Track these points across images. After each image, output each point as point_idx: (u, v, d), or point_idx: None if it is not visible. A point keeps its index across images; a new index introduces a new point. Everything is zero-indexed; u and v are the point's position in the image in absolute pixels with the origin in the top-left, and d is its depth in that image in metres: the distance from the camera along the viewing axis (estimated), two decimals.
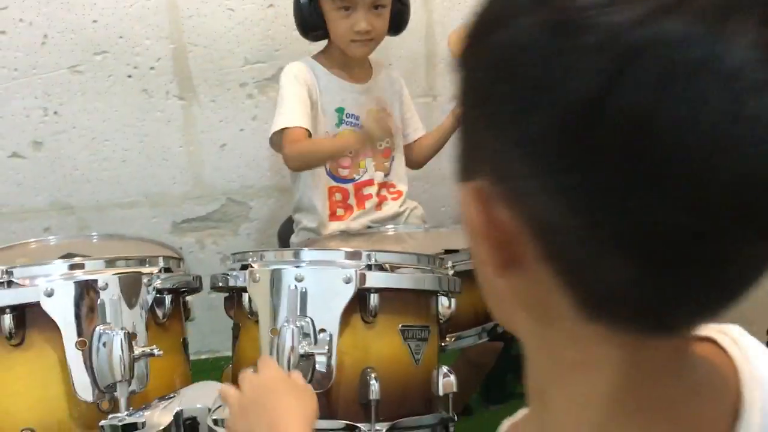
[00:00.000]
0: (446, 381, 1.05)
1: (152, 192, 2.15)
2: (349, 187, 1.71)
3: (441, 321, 1.09)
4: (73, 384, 0.92)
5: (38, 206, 2.10)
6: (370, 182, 1.73)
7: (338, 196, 1.71)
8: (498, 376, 2.00)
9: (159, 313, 1.03)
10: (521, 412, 0.49)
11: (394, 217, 1.73)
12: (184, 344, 1.13)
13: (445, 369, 1.07)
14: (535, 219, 0.34)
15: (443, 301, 1.06)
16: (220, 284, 1.08)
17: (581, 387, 0.38)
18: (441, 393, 1.05)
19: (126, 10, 1.94)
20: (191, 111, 2.08)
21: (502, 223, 0.36)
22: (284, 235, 1.91)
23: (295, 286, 0.95)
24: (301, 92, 1.60)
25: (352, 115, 1.67)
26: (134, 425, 0.86)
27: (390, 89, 1.76)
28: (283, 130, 1.55)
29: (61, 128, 2.03)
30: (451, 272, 1.09)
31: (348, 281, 0.95)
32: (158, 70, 2.02)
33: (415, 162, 1.81)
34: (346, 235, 1.63)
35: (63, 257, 1.39)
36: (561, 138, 0.32)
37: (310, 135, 1.56)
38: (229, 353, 2.39)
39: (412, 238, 1.61)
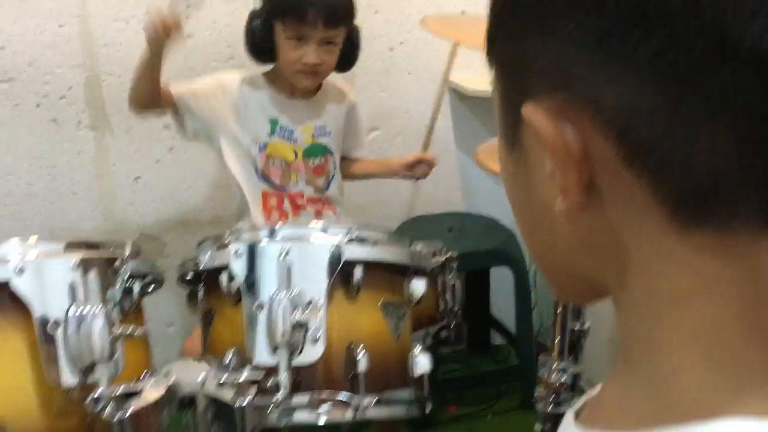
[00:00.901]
0: (421, 359, 1.06)
1: (58, 228, 2.03)
2: (284, 195, 1.72)
3: (412, 303, 1.10)
4: (45, 369, 0.85)
5: None
6: (301, 195, 1.74)
7: (273, 201, 1.72)
8: None
9: (126, 302, 0.98)
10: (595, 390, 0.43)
11: None
12: (146, 338, 1.06)
13: (418, 348, 1.08)
14: (611, 119, 0.31)
15: (416, 282, 1.08)
16: (191, 270, 1.04)
17: (696, 318, 0.33)
18: (417, 373, 1.06)
19: (36, 37, 1.88)
20: (103, 142, 2.01)
21: (572, 142, 0.32)
22: None
23: (283, 258, 0.94)
24: (205, 82, 1.67)
25: (286, 128, 1.69)
26: (130, 395, 0.80)
27: (338, 112, 1.77)
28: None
29: None
30: (421, 250, 1.12)
31: (334, 252, 0.95)
32: (69, 99, 1.95)
33: (346, 176, 1.85)
34: None
35: None
36: (625, 9, 0.29)
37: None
38: None
39: None
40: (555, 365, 1.20)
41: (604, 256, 0.35)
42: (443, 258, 1.53)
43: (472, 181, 2.41)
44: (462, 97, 2.28)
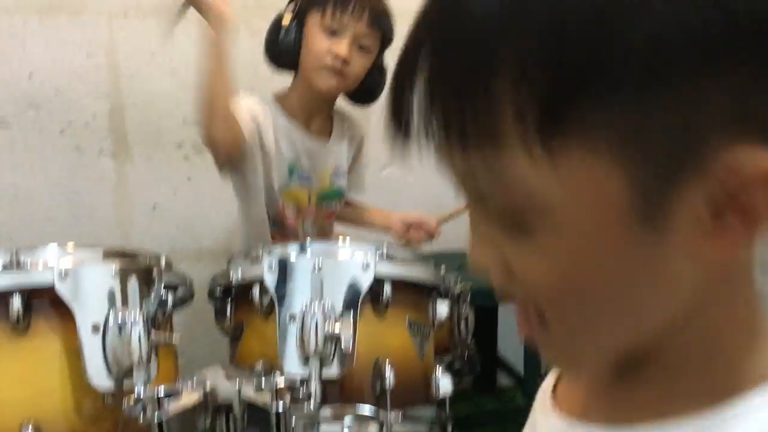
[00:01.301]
0: (444, 382, 1.08)
1: None
2: (291, 238, 1.70)
3: (435, 326, 1.13)
4: (86, 371, 0.87)
5: None
6: (305, 237, 1.66)
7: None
8: None
9: (160, 312, 1.00)
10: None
11: None
12: (175, 351, 1.09)
13: (441, 369, 1.09)
14: None
15: (440, 303, 1.10)
16: (222, 283, 1.06)
17: None
18: (440, 395, 1.08)
19: (64, 67, 1.94)
20: (124, 170, 2.05)
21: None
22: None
23: (315, 272, 0.96)
24: (251, 108, 1.49)
25: (304, 174, 1.61)
26: (168, 397, 0.81)
27: (348, 149, 1.71)
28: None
29: None
30: (444, 272, 1.15)
31: (366, 267, 0.98)
32: (93, 127, 2.00)
33: (339, 218, 1.76)
34: None
35: None
36: None
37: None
38: None
39: None
40: None
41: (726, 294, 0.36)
42: (459, 288, 1.55)
43: None
44: None
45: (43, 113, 1.95)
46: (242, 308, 1.06)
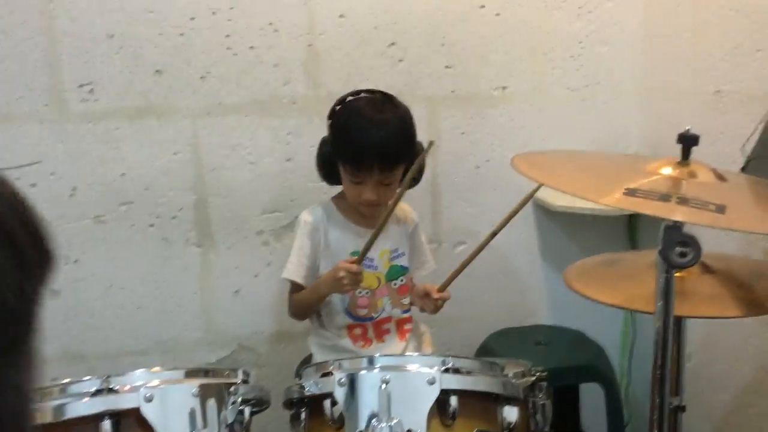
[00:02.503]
0: None
1: (164, 339, 2.16)
2: (368, 324, 1.78)
3: (505, 430, 1.13)
4: None
5: (48, 355, 2.06)
6: (388, 319, 1.81)
7: (358, 331, 1.79)
8: None
9: (237, 427, 1.05)
10: None
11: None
12: None
13: None
14: None
15: (509, 410, 1.11)
16: (296, 396, 1.11)
17: None
18: None
19: (153, 163, 2.07)
20: (208, 258, 2.15)
21: None
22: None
23: (383, 387, 1.00)
24: (303, 243, 1.76)
25: (367, 258, 1.73)
26: None
27: (402, 232, 1.86)
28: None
29: (81, 276, 2.07)
30: (512, 380, 1.15)
31: (432, 382, 1.00)
32: (179, 219, 2.11)
33: None
34: None
35: None
36: None
37: (301, 287, 1.74)
38: None
39: None
40: None
41: None
42: (533, 377, 1.55)
43: (558, 294, 2.42)
44: (547, 213, 2.33)
45: (134, 208, 2.08)
46: (315, 419, 1.10)
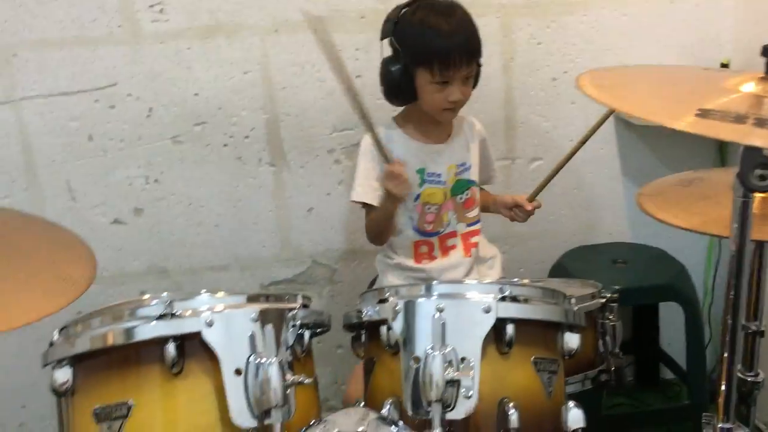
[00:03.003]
0: (575, 415, 1.07)
1: (242, 255, 2.23)
2: (434, 240, 1.79)
3: (566, 357, 1.12)
4: (230, 411, 0.97)
5: (136, 270, 2.20)
6: (453, 234, 1.81)
7: (424, 249, 1.80)
8: None
9: (298, 349, 1.08)
10: None
11: (476, 263, 1.84)
12: (316, 382, 1.17)
13: (572, 403, 1.09)
14: None
15: (569, 336, 1.09)
16: (355, 321, 1.13)
17: None
18: (571, 428, 1.07)
19: (225, 83, 2.08)
20: (281, 177, 2.18)
21: None
22: None
23: (437, 315, 1.00)
24: (368, 165, 1.74)
25: (433, 173, 1.76)
26: None
27: (469, 138, 1.84)
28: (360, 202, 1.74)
29: (161, 195, 2.14)
30: (575, 308, 1.13)
31: (488, 311, 0.99)
32: (252, 138, 2.13)
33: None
34: None
35: None
36: None
37: (371, 206, 1.73)
38: None
39: None
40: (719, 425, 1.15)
41: None
42: (603, 299, 1.52)
43: (639, 211, 2.33)
44: (629, 126, 2.23)
45: (208, 128, 2.11)
46: (373, 343, 1.11)
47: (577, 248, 2.29)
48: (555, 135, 2.22)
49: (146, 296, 1.57)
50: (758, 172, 0.98)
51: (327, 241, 2.25)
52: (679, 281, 2.07)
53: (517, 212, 1.85)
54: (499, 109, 2.19)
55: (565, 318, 1.09)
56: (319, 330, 1.16)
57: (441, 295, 1.05)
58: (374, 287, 1.91)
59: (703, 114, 0.88)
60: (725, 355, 1.18)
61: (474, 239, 1.83)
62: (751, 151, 0.98)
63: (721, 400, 1.16)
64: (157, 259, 2.19)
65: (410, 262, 1.79)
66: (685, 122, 0.86)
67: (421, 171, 1.75)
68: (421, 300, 1.04)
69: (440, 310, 1.00)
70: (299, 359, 1.09)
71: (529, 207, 1.82)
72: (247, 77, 2.09)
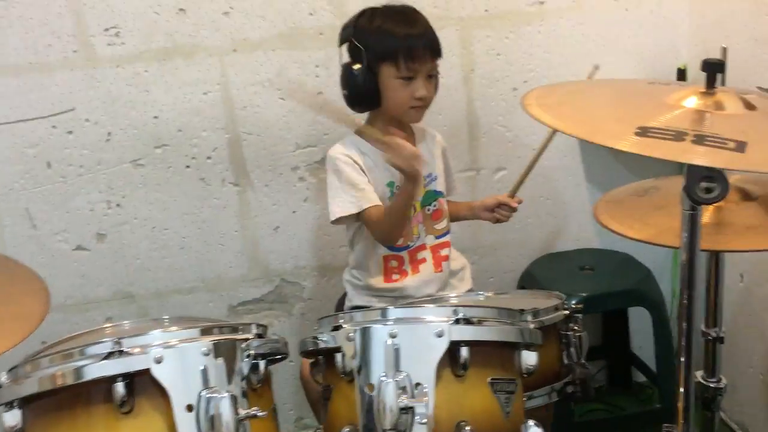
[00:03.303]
0: None
1: (209, 277, 2.21)
2: (404, 254, 1.77)
3: (524, 375, 1.11)
4: None
5: (101, 297, 2.17)
6: (422, 247, 1.80)
7: (394, 263, 1.78)
8: None
9: (254, 379, 1.07)
10: None
11: (449, 277, 1.83)
12: (274, 411, 1.15)
13: (531, 422, 1.09)
14: None
15: (527, 355, 1.09)
16: (311, 348, 1.11)
17: None
18: None
19: (184, 105, 2.06)
20: (246, 196, 2.16)
21: None
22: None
23: (390, 342, 0.99)
24: (352, 175, 1.69)
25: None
26: None
27: (432, 149, 1.84)
28: (359, 214, 1.67)
29: (123, 220, 2.11)
30: (531, 325, 1.13)
31: (440, 335, 0.99)
32: (214, 159, 2.12)
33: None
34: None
35: None
36: None
37: (361, 214, 1.67)
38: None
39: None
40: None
41: None
42: (566, 311, 1.52)
43: None
44: None
45: (169, 151, 2.09)
46: (330, 370, 1.10)
47: (544, 256, 2.29)
48: (518, 144, 2.23)
49: (107, 325, 1.56)
50: (703, 185, 0.99)
51: (295, 258, 2.24)
52: (646, 286, 2.08)
53: (502, 211, 1.85)
54: (461, 121, 2.19)
55: (521, 338, 1.09)
56: (277, 357, 1.14)
57: (396, 320, 1.04)
58: (340, 310, 1.90)
59: (642, 132, 0.88)
60: (682, 361, 1.18)
61: (444, 252, 1.82)
62: (696, 165, 0.98)
63: (680, 408, 1.17)
64: (122, 285, 2.17)
65: (380, 282, 1.77)
66: (625, 142, 0.87)
67: (390, 184, 1.73)
68: (374, 327, 1.03)
69: (393, 336, 1.00)
70: (255, 390, 1.08)
71: (514, 203, 1.84)
72: (207, 98, 2.07)
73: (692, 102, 1.01)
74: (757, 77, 1.88)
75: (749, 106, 1.01)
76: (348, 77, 1.67)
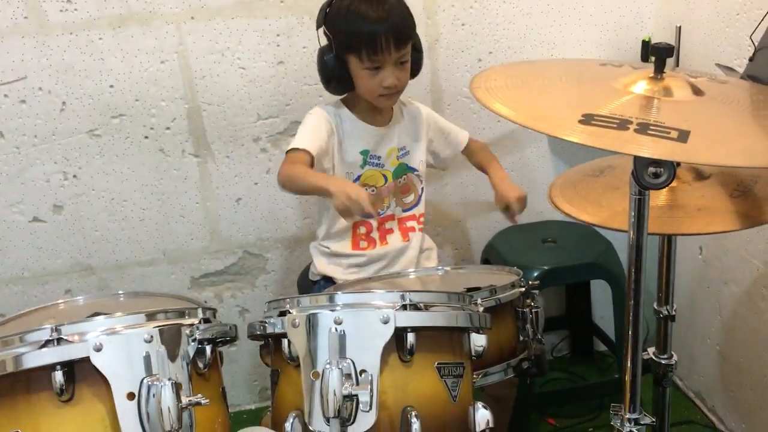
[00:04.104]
0: (481, 416, 1.07)
1: (170, 249, 2.19)
2: (373, 221, 1.78)
3: (474, 357, 1.11)
4: None
5: (59, 269, 2.14)
6: (391, 217, 1.83)
7: (362, 230, 1.81)
8: (521, 416, 2.02)
9: (200, 363, 1.06)
10: None
11: (419, 254, 1.84)
12: (223, 393, 1.15)
13: (480, 404, 1.09)
14: None
15: (476, 338, 1.09)
16: (258, 332, 1.11)
17: None
18: (478, 429, 1.07)
19: (141, 74, 2.01)
20: (206, 167, 2.13)
21: None
22: (303, 285, 1.95)
23: (335, 329, 0.98)
24: (318, 124, 1.71)
25: (375, 156, 1.78)
26: None
27: (412, 125, 1.84)
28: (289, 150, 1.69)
29: (81, 191, 2.08)
30: (481, 309, 1.13)
31: (386, 321, 0.98)
32: (174, 129, 2.08)
33: (474, 165, 1.98)
34: (367, 281, 1.67)
35: (91, 316, 1.43)
36: None
37: (312, 159, 1.65)
38: (250, 406, 2.41)
39: (433, 280, 1.65)
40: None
41: None
42: (522, 288, 1.52)
43: None
44: None
45: (127, 121, 2.04)
46: (277, 355, 1.10)
47: (508, 228, 2.29)
48: (482, 116, 2.21)
49: (60, 301, 1.54)
50: (651, 170, 0.99)
51: (257, 230, 2.22)
52: (605, 259, 2.09)
53: (517, 204, 1.83)
54: (425, 92, 2.16)
55: (470, 322, 1.09)
56: (226, 340, 1.13)
57: (343, 305, 1.04)
58: (304, 282, 1.90)
59: (587, 120, 0.87)
60: (629, 342, 1.19)
61: (409, 224, 1.83)
62: None
63: (626, 393, 1.18)
64: (80, 257, 2.14)
65: (347, 249, 1.79)
66: (568, 131, 0.85)
67: (365, 152, 1.76)
68: (320, 313, 1.02)
69: (338, 323, 0.99)
70: (202, 374, 1.07)
71: (512, 221, 1.88)
72: (165, 67, 2.02)
73: (641, 87, 1.00)
74: (719, 51, 1.88)
75: (698, 92, 1.00)
76: (321, 63, 1.70)
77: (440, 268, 1.70)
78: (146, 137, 2.07)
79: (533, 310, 1.52)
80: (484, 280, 1.53)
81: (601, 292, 2.35)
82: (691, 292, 2.18)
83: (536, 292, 1.55)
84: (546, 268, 2.03)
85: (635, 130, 0.85)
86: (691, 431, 2.13)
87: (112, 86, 2.01)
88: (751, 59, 1.38)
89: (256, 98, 2.09)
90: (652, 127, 0.85)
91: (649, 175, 0.99)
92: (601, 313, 2.45)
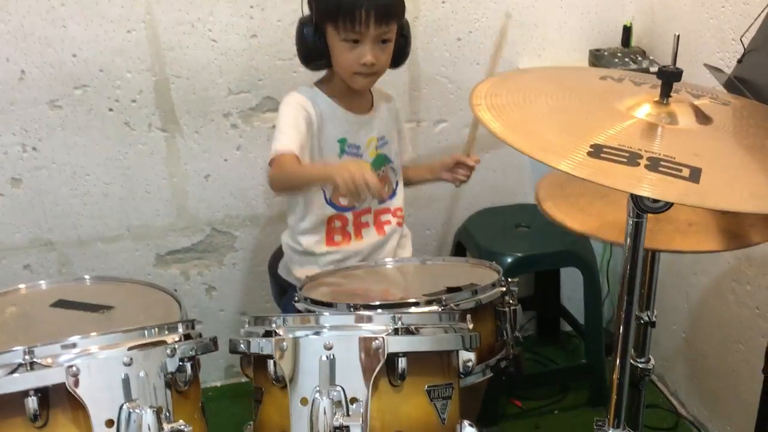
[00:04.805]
0: None
1: (135, 225, 2.11)
2: (349, 215, 1.71)
3: (462, 375, 1.10)
4: None
5: (18, 243, 2.05)
6: (367, 210, 1.74)
7: (337, 224, 1.71)
8: (490, 399, 2.04)
9: (180, 381, 1.02)
10: None
11: (396, 247, 1.79)
12: (203, 409, 1.11)
13: (466, 423, 1.08)
14: None
15: (465, 355, 1.07)
16: (242, 350, 1.06)
17: None
18: None
19: (106, 44, 1.90)
20: (174, 142, 2.05)
21: None
22: (275, 268, 1.90)
23: (325, 356, 0.95)
24: (297, 117, 1.60)
25: (353, 145, 1.68)
26: None
27: (389, 119, 1.77)
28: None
29: (41, 164, 1.98)
30: (470, 326, 1.10)
31: (378, 348, 0.95)
32: (140, 102, 1.98)
33: (405, 184, 1.85)
34: (345, 271, 1.63)
35: (56, 304, 1.37)
36: None
37: (299, 160, 1.57)
38: (216, 383, 2.36)
39: (412, 273, 1.62)
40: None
41: None
42: (504, 287, 1.50)
43: (542, 172, 2.33)
44: None
45: (90, 92, 1.94)
46: (261, 374, 1.06)
47: (481, 211, 2.28)
48: (459, 97, 2.16)
49: (21, 285, 1.46)
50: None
51: (226, 208, 2.16)
52: (578, 246, 2.09)
53: (461, 170, 1.77)
54: (402, 71, 2.08)
55: (461, 344, 1.06)
56: (204, 353, 1.09)
57: (331, 327, 1.00)
58: (276, 265, 1.85)
59: (596, 152, 0.84)
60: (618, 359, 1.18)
61: (385, 217, 1.77)
62: None
63: (612, 406, 1.18)
64: (40, 232, 2.05)
65: (321, 246, 1.71)
66: (580, 166, 0.82)
67: (342, 141, 1.67)
68: (309, 337, 0.99)
69: (328, 348, 0.96)
70: (182, 392, 1.03)
71: (471, 162, 1.76)
72: (131, 36, 1.92)
73: (645, 112, 0.96)
74: (702, 43, 1.86)
75: (702, 119, 0.97)
76: (299, 33, 1.60)
77: (418, 258, 1.67)
78: (110, 110, 1.97)
79: (512, 309, 1.51)
80: (465, 276, 1.50)
81: (570, 275, 2.36)
82: (661, 278, 2.20)
83: (515, 290, 1.53)
84: (519, 255, 2.02)
85: (646, 166, 0.82)
86: (653, 414, 2.17)
87: (74, 55, 1.90)
88: (740, 61, 1.36)
89: (227, 72, 2.01)
90: (663, 163, 0.83)
91: (649, 199, 0.97)
92: (569, 294, 2.46)
